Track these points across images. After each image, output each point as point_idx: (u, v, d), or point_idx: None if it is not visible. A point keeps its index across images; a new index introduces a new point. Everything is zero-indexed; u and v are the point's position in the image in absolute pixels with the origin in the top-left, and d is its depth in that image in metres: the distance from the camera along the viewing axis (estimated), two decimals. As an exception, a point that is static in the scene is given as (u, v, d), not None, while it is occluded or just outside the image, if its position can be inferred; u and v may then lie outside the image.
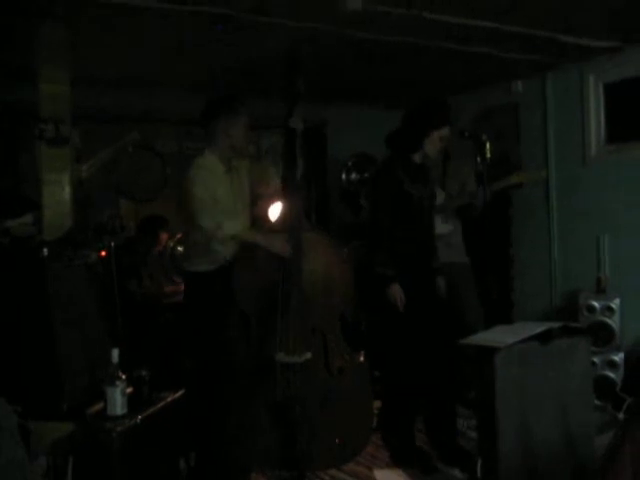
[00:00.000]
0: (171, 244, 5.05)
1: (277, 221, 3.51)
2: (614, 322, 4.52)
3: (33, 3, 3.50)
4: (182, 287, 3.91)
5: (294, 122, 3.37)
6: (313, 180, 6.26)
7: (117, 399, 2.82)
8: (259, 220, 3.66)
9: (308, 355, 3.30)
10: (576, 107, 5.13)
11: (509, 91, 5.67)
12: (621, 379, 4.47)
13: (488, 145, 4.00)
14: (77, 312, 3.23)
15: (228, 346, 3.40)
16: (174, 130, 5.95)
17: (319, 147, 6.49)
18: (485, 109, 5.91)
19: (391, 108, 5.22)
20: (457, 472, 3.57)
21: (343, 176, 6.46)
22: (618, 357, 4.50)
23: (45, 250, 3.16)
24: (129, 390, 2.94)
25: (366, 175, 6.36)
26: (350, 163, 6.45)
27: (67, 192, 3.81)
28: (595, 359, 4.40)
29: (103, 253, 3.80)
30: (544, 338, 2.94)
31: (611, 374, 4.48)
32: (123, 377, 2.85)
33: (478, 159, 4.04)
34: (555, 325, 3.05)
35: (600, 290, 4.67)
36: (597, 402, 4.24)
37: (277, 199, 3.54)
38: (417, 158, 3.76)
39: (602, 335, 4.50)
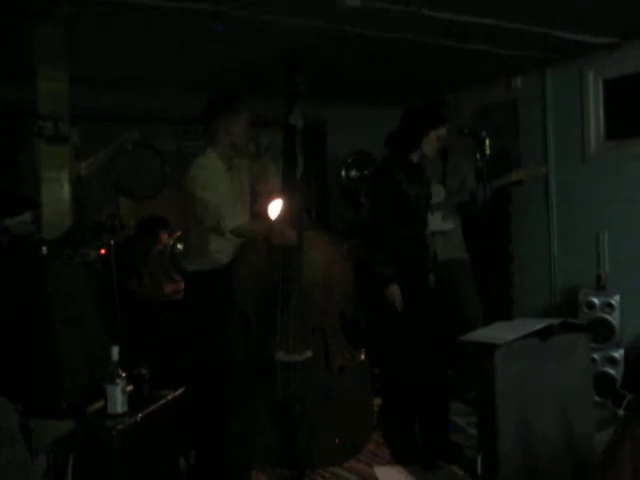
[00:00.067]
0: (171, 242, 5.04)
1: (277, 218, 3.50)
2: (614, 319, 4.52)
3: (33, 2, 3.50)
4: (182, 286, 3.91)
5: (294, 119, 3.36)
6: (313, 178, 6.26)
7: (117, 397, 2.82)
8: (258, 217, 3.65)
9: (308, 353, 3.30)
10: (575, 103, 5.13)
11: (508, 87, 5.67)
12: (621, 376, 4.47)
13: (487, 142, 3.99)
14: (77, 310, 3.22)
15: (228, 345, 3.40)
16: (173, 129, 5.95)
17: (319, 145, 6.48)
18: (484, 106, 5.91)
19: (390, 106, 5.23)
20: (456, 469, 3.58)
21: (343, 173, 6.46)
22: (618, 354, 4.50)
23: (44, 248, 3.16)
24: (129, 388, 2.94)
25: (366, 173, 6.37)
26: (349, 161, 6.45)
27: (66, 190, 3.81)
28: (595, 356, 4.40)
29: (103, 251, 3.80)
30: (544, 335, 2.95)
31: (611, 371, 4.49)
32: (123, 375, 2.84)
33: (478, 156, 4.04)
34: (555, 322, 3.05)
35: (600, 287, 4.67)
36: (597, 399, 4.24)
37: (276, 196, 3.53)
38: (415, 158, 3.79)
39: (602, 332, 4.50)
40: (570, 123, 5.18)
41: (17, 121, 5.01)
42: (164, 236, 5.22)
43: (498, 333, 2.98)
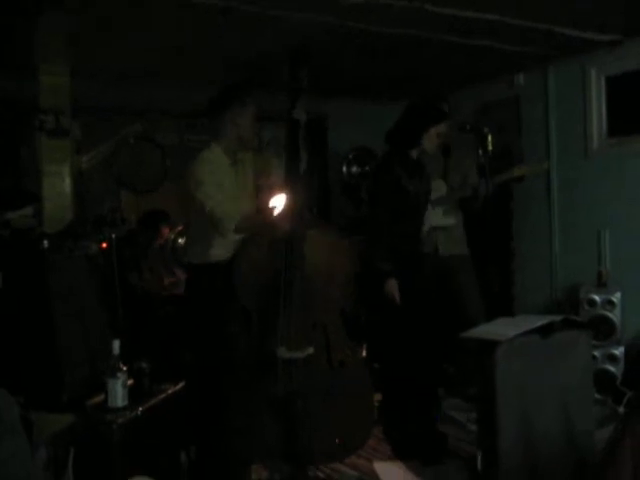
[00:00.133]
0: (172, 236, 5.04)
1: (279, 213, 3.48)
2: (615, 316, 4.52)
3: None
4: (182, 279, 3.90)
5: (297, 113, 3.34)
6: (315, 173, 6.25)
7: (118, 391, 2.82)
8: (261, 212, 3.63)
9: (310, 350, 3.28)
10: (578, 100, 5.11)
11: (511, 84, 5.66)
12: (621, 373, 4.47)
13: (490, 138, 3.99)
14: (78, 303, 3.23)
15: (228, 340, 3.39)
16: (175, 122, 5.94)
17: (320, 140, 6.47)
18: (487, 102, 5.89)
19: (392, 102, 5.21)
20: (458, 464, 3.58)
21: (344, 169, 6.45)
22: (619, 351, 4.50)
23: (45, 242, 3.16)
24: (130, 382, 2.94)
25: (367, 168, 6.36)
26: (351, 156, 6.44)
27: (67, 184, 3.82)
28: (596, 353, 4.40)
29: (104, 245, 3.80)
30: (545, 331, 2.94)
31: (611, 368, 4.48)
32: (124, 369, 2.84)
33: (480, 152, 4.04)
34: (556, 318, 3.05)
35: (601, 284, 4.66)
36: (597, 396, 4.23)
37: (279, 191, 3.52)
38: (414, 154, 3.80)
39: (603, 329, 4.50)
40: (572, 120, 5.17)
41: (18, 115, 5.00)
42: (165, 230, 5.22)
43: (499, 330, 2.98)
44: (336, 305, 3.44)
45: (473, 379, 4.01)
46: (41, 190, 3.76)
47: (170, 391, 3.17)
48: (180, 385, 3.25)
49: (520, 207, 5.60)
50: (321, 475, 3.47)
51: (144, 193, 5.71)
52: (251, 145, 3.64)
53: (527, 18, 4.00)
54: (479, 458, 2.96)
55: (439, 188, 4.41)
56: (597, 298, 4.59)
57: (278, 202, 3.47)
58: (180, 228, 4.96)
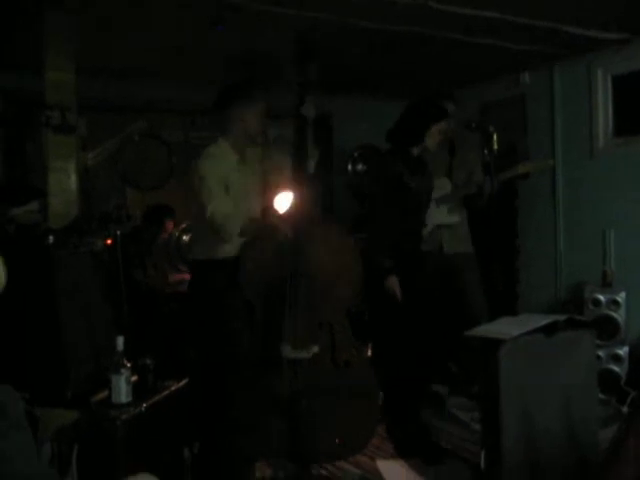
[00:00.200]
0: (177, 233, 5.05)
1: (286, 211, 3.46)
2: (619, 316, 4.51)
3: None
4: (187, 276, 3.90)
5: (306, 109, 3.32)
6: (325, 172, 6.24)
7: (122, 387, 2.82)
8: (268, 210, 3.61)
9: (315, 349, 3.26)
10: (584, 99, 5.10)
11: (517, 83, 5.65)
12: (625, 373, 4.46)
13: (495, 136, 3.99)
14: (83, 300, 3.23)
15: (232, 337, 3.39)
16: (180, 120, 5.95)
17: (325, 138, 6.47)
18: (492, 100, 5.89)
19: (398, 99, 5.20)
20: (460, 463, 3.58)
21: (349, 167, 6.45)
22: (623, 351, 4.49)
23: (51, 238, 3.17)
24: (134, 378, 2.94)
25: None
26: (356, 154, 6.44)
27: (73, 180, 3.82)
28: (600, 353, 4.38)
29: (109, 241, 3.80)
30: (549, 331, 2.94)
31: (616, 368, 4.47)
32: (128, 365, 2.85)
33: (485, 150, 4.03)
34: (560, 318, 3.04)
35: (606, 283, 4.65)
36: (601, 396, 4.22)
37: (286, 188, 3.50)
38: (416, 151, 3.81)
39: (607, 329, 4.49)
40: (578, 119, 5.16)
41: (25, 111, 5.02)
42: (170, 224, 5.24)
43: (503, 328, 2.98)
44: (343, 304, 3.42)
45: (477, 377, 4.01)
46: (47, 186, 3.76)
47: (174, 388, 3.17)
48: (184, 382, 3.26)
49: (525, 205, 5.59)
50: (324, 473, 3.47)
51: (149, 190, 5.72)
52: (260, 141, 3.62)
53: (530, 16, 4.00)
54: (482, 456, 2.96)
55: (444, 186, 4.41)
56: (602, 298, 4.58)
57: (285, 201, 3.46)
58: (184, 225, 4.97)
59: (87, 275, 3.32)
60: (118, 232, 3.84)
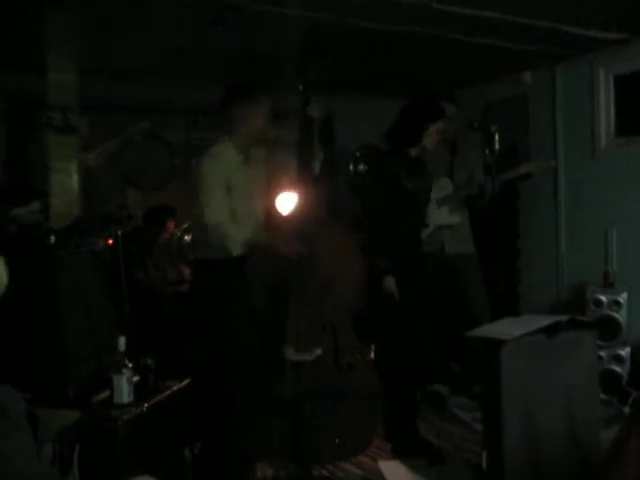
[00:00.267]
0: (178, 233, 5.05)
1: (290, 212, 3.44)
2: (621, 316, 4.50)
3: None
4: (188, 276, 3.90)
5: (312, 109, 3.29)
6: (330, 173, 6.23)
7: (123, 387, 2.83)
8: (271, 211, 3.60)
9: (318, 351, 3.25)
10: (586, 99, 5.10)
11: (518, 82, 5.65)
12: (627, 373, 4.45)
13: (497, 136, 3.98)
14: (84, 299, 3.23)
15: (233, 337, 3.38)
16: (182, 120, 5.94)
17: (328, 138, 6.45)
18: (494, 100, 5.88)
19: (400, 100, 5.20)
20: (462, 463, 3.58)
21: (351, 167, 6.44)
22: (624, 351, 4.48)
23: (52, 238, 3.17)
24: (135, 378, 2.94)
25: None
26: (358, 154, 6.43)
27: (75, 180, 3.82)
28: (601, 353, 4.37)
29: (110, 241, 3.80)
30: (551, 331, 2.94)
31: (617, 368, 4.47)
32: (129, 365, 2.85)
33: (487, 150, 4.03)
34: (562, 318, 3.04)
35: (608, 284, 4.64)
36: (603, 396, 4.22)
37: (290, 189, 3.48)
38: (414, 152, 3.80)
39: (609, 329, 4.48)
40: (580, 119, 5.15)
41: (26, 111, 5.02)
42: (171, 225, 5.24)
43: (505, 329, 2.97)
44: (345, 303, 3.42)
45: (478, 378, 4.01)
46: (48, 186, 3.76)
47: (175, 388, 3.18)
48: (185, 382, 3.26)
49: (527, 205, 5.58)
50: (326, 474, 3.47)
51: (151, 190, 5.72)
52: (264, 141, 3.60)
53: (530, 16, 4.00)
54: (484, 456, 2.96)
55: (445, 186, 4.41)
56: (603, 298, 4.57)
57: (289, 202, 3.44)
58: (186, 225, 4.97)
59: (88, 275, 3.32)
60: (119, 232, 3.84)
